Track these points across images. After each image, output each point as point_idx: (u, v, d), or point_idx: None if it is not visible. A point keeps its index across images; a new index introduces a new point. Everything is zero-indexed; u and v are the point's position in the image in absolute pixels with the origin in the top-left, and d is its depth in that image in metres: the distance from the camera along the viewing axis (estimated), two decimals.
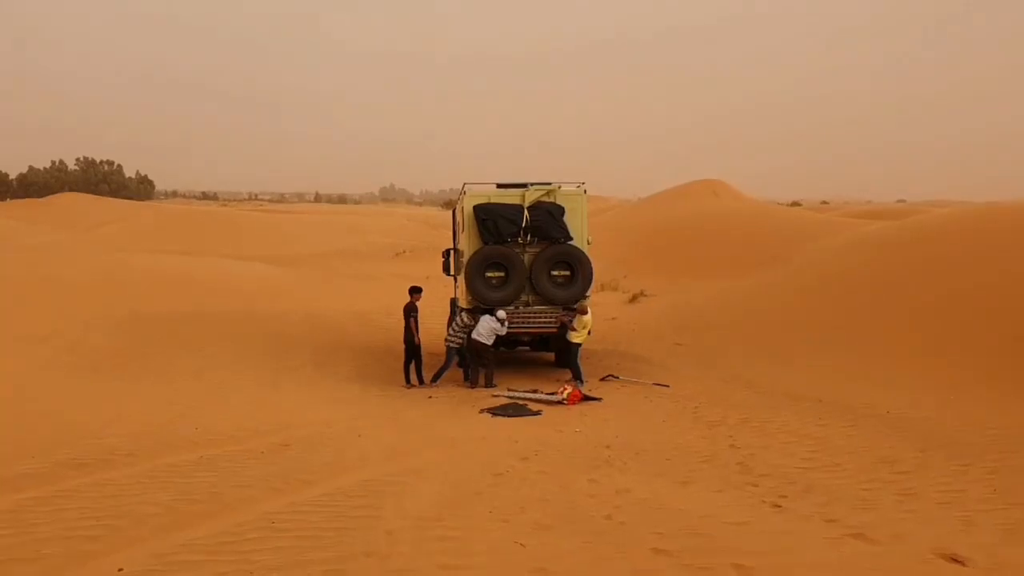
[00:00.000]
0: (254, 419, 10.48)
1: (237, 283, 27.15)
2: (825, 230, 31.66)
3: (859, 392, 13.73)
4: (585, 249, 15.43)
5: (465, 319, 15.00)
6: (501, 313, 14.69)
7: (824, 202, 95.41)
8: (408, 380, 14.80)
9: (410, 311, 14.84)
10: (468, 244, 15.35)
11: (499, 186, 15.65)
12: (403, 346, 14.90)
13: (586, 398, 13.54)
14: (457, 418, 11.81)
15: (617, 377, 15.44)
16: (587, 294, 15.55)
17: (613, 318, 23.12)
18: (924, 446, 9.81)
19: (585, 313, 14.88)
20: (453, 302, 16.77)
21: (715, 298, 23.92)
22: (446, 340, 15.23)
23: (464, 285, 15.37)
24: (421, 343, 14.93)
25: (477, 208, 15.15)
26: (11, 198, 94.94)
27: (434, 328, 18.07)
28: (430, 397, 13.80)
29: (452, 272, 16.93)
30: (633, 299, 26.31)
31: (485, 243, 15.12)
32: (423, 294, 15.34)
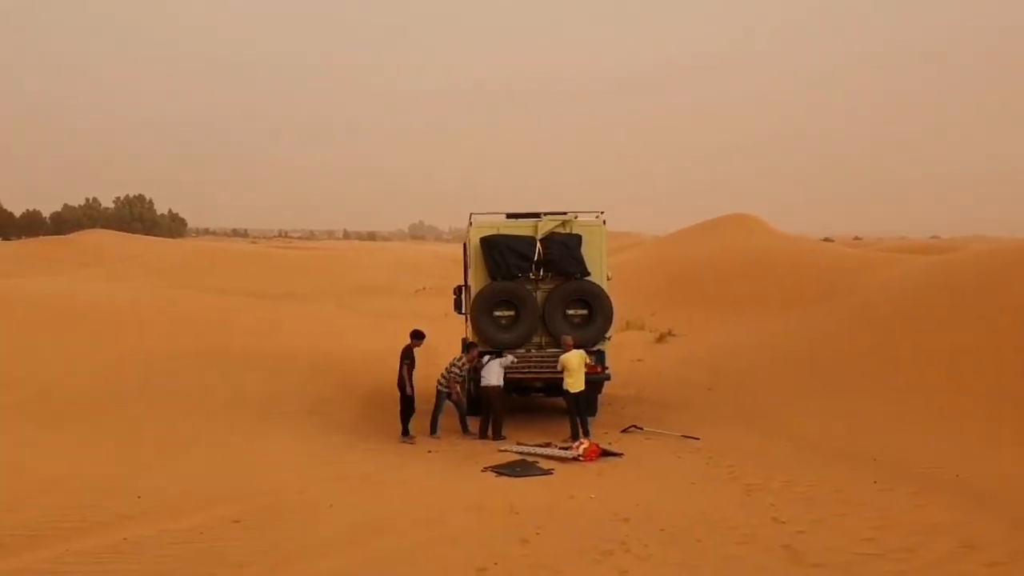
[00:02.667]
0: (214, 482, 9.03)
1: (246, 320, 25.98)
2: (868, 266, 29.79)
3: (919, 449, 11.94)
4: (604, 285, 13.91)
5: (460, 365, 13.56)
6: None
7: (857, 238, 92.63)
8: (405, 432, 13.24)
9: (405, 356, 13.35)
10: (475, 280, 13.93)
11: (509, 216, 14.25)
12: (399, 394, 13.37)
13: (605, 453, 11.94)
14: (454, 480, 10.26)
15: (641, 428, 13.80)
16: (607, 335, 14.00)
17: (639, 360, 21.48)
18: (1012, 522, 8.05)
19: (568, 349, 13.02)
20: (464, 343, 15.20)
21: (750, 339, 22.20)
22: (437, 383, 13.71)
23: (471, 325, 13.93)
24: (415, 393, 13.35)
25: (484, 240, 13.73)
26: (44, 236, 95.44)
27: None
28: (429, 452, 12.29)
29: (464, 310, 15.47)
30: (660, 339, 24.64)
31: (493, 279, 13.70)
32: (425, 340, 13.81)
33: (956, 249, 41.71)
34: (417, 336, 13.61)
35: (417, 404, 13.69)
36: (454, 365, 13.56)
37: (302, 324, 26.94)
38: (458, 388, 13.58)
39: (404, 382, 13.18)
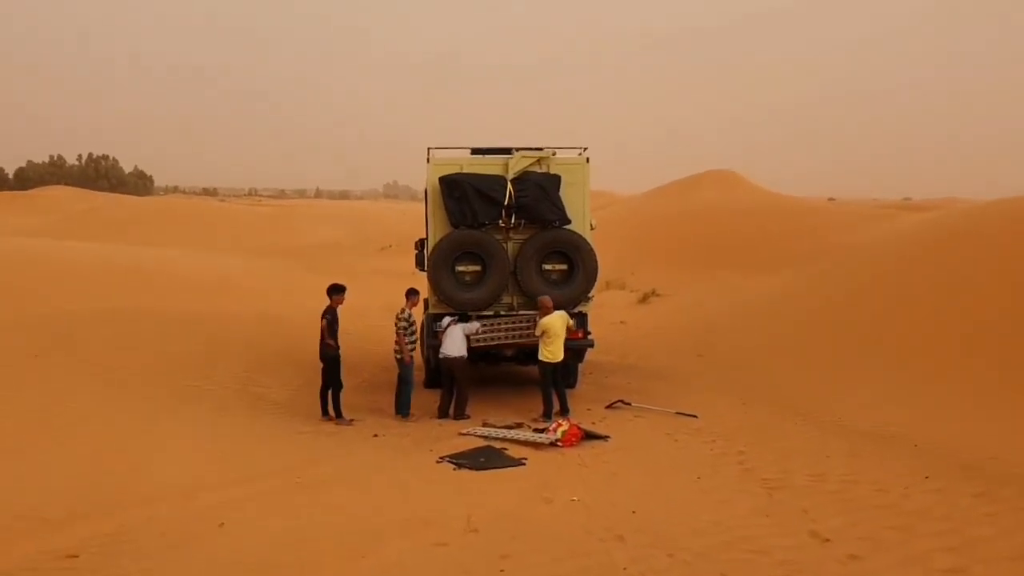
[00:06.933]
0: (80, 484, 6.82)
1: (192, 277, 23.63)
2: (861, 223, 27.89)
3: (963, 432, 9.98)
4: (587, 236, 11.72)
5: (404, 317, 11.27)
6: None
7: (831, 199, 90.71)
8: (324, 412, 10.86)
9: (323, 318, 11.01)
10: (434, 228, 11.68)
11: (475, 152, 11.96)
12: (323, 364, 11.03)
13: (588, 436, 9.88)
14: (399, 477, 8.11)
15: (628, 404, 11.75)
16: (590, 295, 11.85)
17: (621, 322, 19.45)
18: None
19: (547, 312, 10.93)
20: (427, 304, 12.88)
21: (741, 299, 20.22)
22: (394, 352, 11.45)
23: (428, 282, 11.71)
24: (336, 360, 11.02)
25: (445, 180, 11.44)
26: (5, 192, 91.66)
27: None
28: (376, 436, 10.14)
29: (426, 266, 13.17)
30: (644, 299, 22.60)
31: (455, 226, 11.44)
32: (346, 294, 11.38)
33: (934, 209, 40.03)
34: (336, 291, 11.16)
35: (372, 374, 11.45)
36: (399, 319, 11.30)
37: (252, 283, 24.60)
38: (407, 345, 11.23)
39: (325, 346, 10.92)
